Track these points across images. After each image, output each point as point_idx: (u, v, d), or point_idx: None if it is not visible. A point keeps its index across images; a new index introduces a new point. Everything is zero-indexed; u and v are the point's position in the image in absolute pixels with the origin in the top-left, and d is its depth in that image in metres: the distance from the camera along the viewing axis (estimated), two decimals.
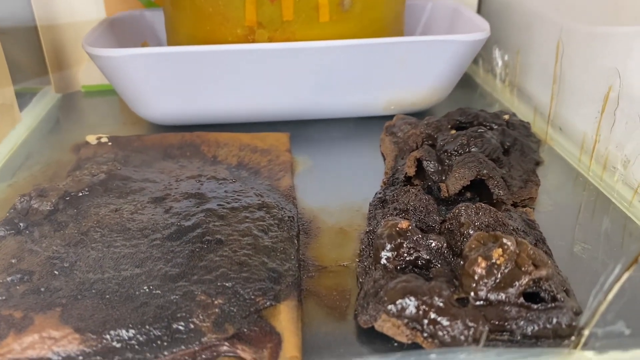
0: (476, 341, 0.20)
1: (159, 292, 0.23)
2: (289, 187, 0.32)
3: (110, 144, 0.37)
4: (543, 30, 0.38)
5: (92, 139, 0.37)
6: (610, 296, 0.19)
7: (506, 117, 0.36)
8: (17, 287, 0.24)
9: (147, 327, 0.21)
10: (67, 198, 0.30)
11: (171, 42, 0.40)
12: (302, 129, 0.40)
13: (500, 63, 0.44)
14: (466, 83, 0.47)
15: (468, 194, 0.31)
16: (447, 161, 0.32)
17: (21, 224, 0.28)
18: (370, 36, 0.36)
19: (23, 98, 0.44)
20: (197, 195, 0.30)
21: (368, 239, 0.27)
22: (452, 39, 0.36)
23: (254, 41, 0.35)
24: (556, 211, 0.29)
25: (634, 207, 0.29)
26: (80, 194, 0.30)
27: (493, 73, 0.45)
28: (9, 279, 0.24)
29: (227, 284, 0.23)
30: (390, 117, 0.39)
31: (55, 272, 0.25)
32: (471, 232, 0.25)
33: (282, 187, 0.32)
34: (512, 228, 0.26)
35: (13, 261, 0.25)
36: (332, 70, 0.36)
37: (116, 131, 0.40)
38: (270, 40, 0.35)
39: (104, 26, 0.40)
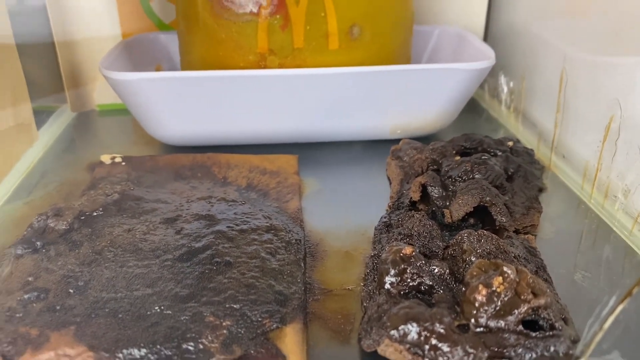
0: None
1: (170, 312, 0.24)
2: (297, 210, 0.33)
3: (123, 163, 0.38)
4: (548, 57, 0.39)
5: (106, 158, 0.38)
6: (606, 326, 0.19)
7: (510, 143, 0.37)
8: (34, 305, 0.25)
9: (158, 346, 0.22)
10: (82, 218, 0.31)
11: (184, 65, 0.41)
12: (310, 151, 0.41)
13: (505, 89, 0.44)
14: (472, 107, 0.48)
15: (471, 220, 0.31)
16: (451, 187, 0.32)
17: (38, 243, 0.29)
18: (378, 63, 0.37)
19: (40, 116, 0.45)
20: (208, 217, 0.31)
21: (373, 263, 0.28)
22: (457, 67, 0.37)
23: (265, 67, 0.37)
24: (558, 238, 0.30)
25: (634, 236, 0.29)
26: (95, 214, 0.31)
27: (498, 99, 0.46)
28: (25, 296, 0.25)
29: (235, 306, 0.24)
30: (397, 141, 0.40)
31: (70, 290, 0.26)
32: (473, 259, 0.25)
33: (290, 210, 0.33)
34: (513, 255, 0.27)
35: (30, 279, 0.26)
36: (341, 95, 0.37)
37: (129, 150, 0.41)
38: (281, 66, 0.37)
39: (119, 49, 0.42)
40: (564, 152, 0.37)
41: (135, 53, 0.43)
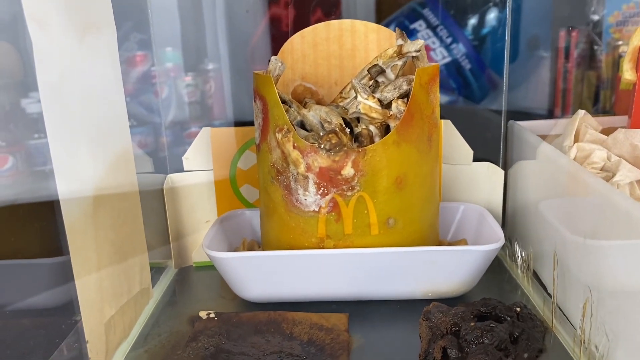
0: None
1: None
2: None
3: (216, 318, 0.50)
4: (548, 235, 0.49)
5: (203, 314, 0.51)
6: None
7: (518, 310, 0.46)
8: None
9: None
10: None
11: (263, 240, 0.54)
12: (358, 307, 0.51)
13: (519, 256, 0.54)
14: (497, 268, 0.58)
15: None
16: (466, 349, 0.42)
17: None
18: (410, 243, 0.48)
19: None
20: None
21: None
22: (472, 249, 0.47)
23: (323, 247, 0.49)
24: None
25: None
26: None
27: (516, 263, 0.56)
28: None
29: None
30: (429, 301, 0.50)
31: None
32: None
33: None
34: None
35: None
36: (381, 268, 0.48)
37: (218, 304, 0.53)
38: (335, 247, 0.48)
39: (216, 226, 0.56)
40: (561, 318, 0.46)
41: (227, 228, 0.57)
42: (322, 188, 0.46)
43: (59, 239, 0.52)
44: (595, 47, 0.70)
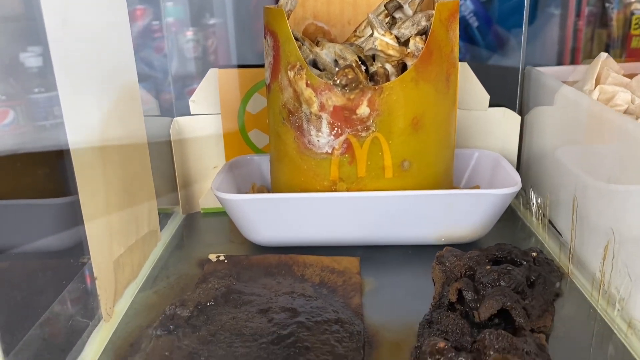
0: None
1: None
2: (358, 306, 0.42)
3: (226, 261, 0.49)
4: (566, 181, 0.48)
5: (213, 257, 0.50)
6: None
7: (534, 254, 0.45)
8: None
9: None
10: (199, 307, 0.42)
11: (273, 184, 0.52)
12: (370, 252, 0.50)
13: (534, 203, 0.53)
14: (510, 216, 0.57)
15: (496, 320, 0.39)
16: (482, 291, 0.41)
17: (171, 326, 0.40)
18: (424, 187, 0.47)
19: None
20: (291, 310, 0.41)
21: (416, 353, 0.36)
22: (488, 193, 0.46)
23: (335, 190, 0.47)
24: (567, 337, 0.38)
25: (629, 338, 0.36)
26: (208, 304, 0.42)
27: (530, 211, 0.55)
28: None
29: None
30: (442, 246, 0.49)
31: None
32: (492, 352, 0.34)
33: (353, 305, 0.42)
34: (525, 351, 0.35)
35: (167, 354, 0.37)
36: (395, 212, 0.47)
37: (228, 248, 0.53)
38: (347, 190, 0.47)
39: (225, 170, 0.54)
40: (579, 263, 0.45)
41: (236, 173, 0.56)
42: (336, 128, 0.45)
43: (67, 183, 0.51)
44: (607, 5, 0.68)
